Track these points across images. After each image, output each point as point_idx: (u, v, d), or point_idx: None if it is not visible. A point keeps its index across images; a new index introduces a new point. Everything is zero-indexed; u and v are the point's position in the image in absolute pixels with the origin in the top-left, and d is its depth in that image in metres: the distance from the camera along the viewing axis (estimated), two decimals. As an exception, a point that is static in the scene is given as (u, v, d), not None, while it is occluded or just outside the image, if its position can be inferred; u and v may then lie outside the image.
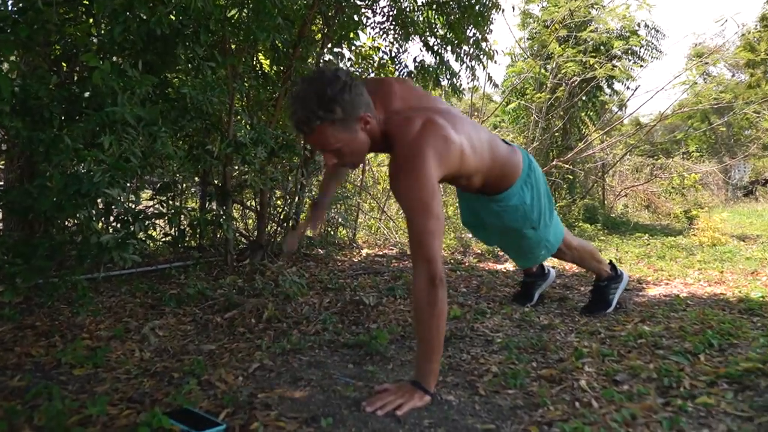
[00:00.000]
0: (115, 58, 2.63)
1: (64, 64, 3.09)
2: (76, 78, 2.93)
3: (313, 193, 4.22)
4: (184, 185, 3.70)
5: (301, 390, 1.54)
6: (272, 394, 1.50)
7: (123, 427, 1.27)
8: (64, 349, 1.88)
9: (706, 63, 6.72)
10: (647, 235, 5.52)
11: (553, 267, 2.90)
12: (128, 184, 2.50)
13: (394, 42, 3.93)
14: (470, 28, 3.74)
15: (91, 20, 2.72)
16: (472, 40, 3.79)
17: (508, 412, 1.41)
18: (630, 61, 6.70)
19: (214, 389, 1.55)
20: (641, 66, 6.70)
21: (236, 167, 3.23)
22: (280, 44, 3.23)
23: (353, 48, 4.02)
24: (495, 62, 4.19)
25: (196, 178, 3.81)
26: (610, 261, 2.59)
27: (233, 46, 3.22)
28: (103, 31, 2.66)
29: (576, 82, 5.95)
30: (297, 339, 2.01)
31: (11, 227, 2.67)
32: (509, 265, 3.81)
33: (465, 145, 1.67)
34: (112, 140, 2.14)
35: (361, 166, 5.45)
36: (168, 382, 1.62)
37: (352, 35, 3.84)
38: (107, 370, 1.72)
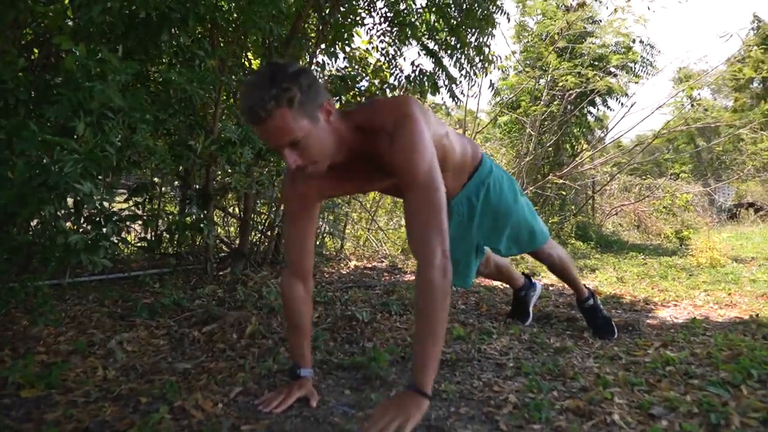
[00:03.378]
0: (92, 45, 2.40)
1: (35, 51, 2.84)
2: (46, 65, 2.69)
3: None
4: (163, 188, 3.44)
5: (292, 421, 1.31)
6: (258, 426, 1.26)
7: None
8: (12, 365, 1.62)
9: (692, 86, 6.67)
10: (642, 254, 5.38)
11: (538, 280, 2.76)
12: (101, 180, 2.27)
13: (392, 44, 3.74)
14: (473, 32, 3.57)
15: (66, 1, 2.49)
16: (474, 44, 3.62)
17: (538, 453, 1.19)
18: (625, 77, 6.62)
19: (188, 418, 1.31)
20: (636, 82, 6.63)
21: (219, 169, 2.99)
22: (271, 39, 3.02)
23: (348, 50, 3.83)
24: (497, 69, 4.05)
25: (176, 182, 3.56)
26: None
27: (221, 40, 3.01)
28: (79, 13, 2.43)
29: (572, 96, 5.84)
30: (284, 359, 1.78)
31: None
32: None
33: (434, 121, 1.55)
34: (87, 126, 1.89)
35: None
36: (134, 409, 1.38)
37: (346, 36, 3.66)
38: (62, 392, 1.47)
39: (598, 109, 7.21)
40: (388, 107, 1.40)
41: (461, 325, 2.30)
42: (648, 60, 6.64)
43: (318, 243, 4.28)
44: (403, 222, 5.03)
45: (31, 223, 2.70)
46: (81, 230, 2.33)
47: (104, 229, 2.34)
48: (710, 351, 1.94)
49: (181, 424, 1.28)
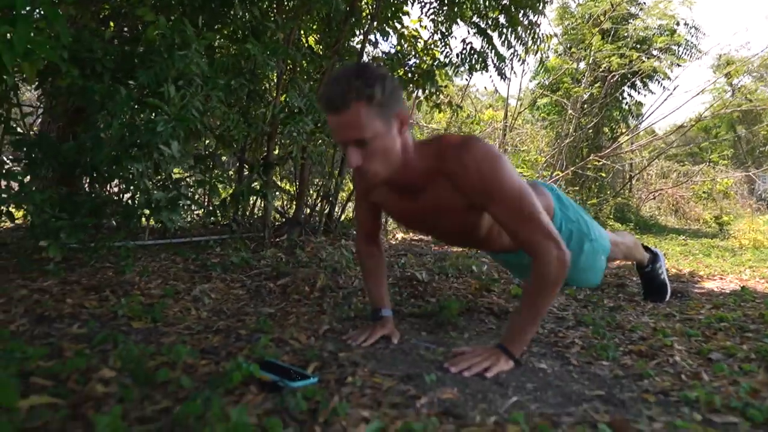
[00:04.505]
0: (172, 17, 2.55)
1: (111, 24, 3.02)
2: (127, 37, 2.86)
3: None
4: (223, 158, 3.61)
5: (382, 352, 1.44)
6: (354, 354, 1.40)
7: (206, 375, 1.18)
8: (117, 303, 1.79)
9: (737, 70, 6.58)
10: (682, 236, 5.40)
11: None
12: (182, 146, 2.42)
13: (443, 22, 3.83)
14: (523, 11, 3.63)
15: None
16: (526, 22, 3.68)
17: (611, 381, 1.31)
18: (668, 60, 6.56)
19: (289, 346, 1.46)
20: (680, 65, 6.57)
21: (285, 138, 3.13)
22: (333, 14, 3.14)
23: (399, 28, 3.92)
24: (539, 51, 4.09)
25: (224, 158, 3.72)
26: (642, 244, 2.49)
27: (284, 15, 3.14)
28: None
29: (614, 78, 5.83)
30: (360, 306, 1.92)
31: (55, 182, 2.58)
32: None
33: None
34: (179, 91, 2.04)
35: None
36: (236, 339, 1.53)
37: (398, 14, 3.76)
38: (167, 325, 1.63)
39: (639, 92, 7.17)
40: (451, 136, 1.46)
41: (518, 286, 2.41)
42: (692, 43, 6.58)
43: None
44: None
45: (111, 184, 2.89)
46: (158, 191, 2.50)
47: (182, 191, 2.50)
48: (762, 312, 2.02)
49: (285, 349, 1.42)
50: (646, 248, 2.42)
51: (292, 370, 1.19)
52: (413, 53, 4.00)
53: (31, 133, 2.31)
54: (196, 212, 3.68)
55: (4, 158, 2.35)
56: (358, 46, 3.60)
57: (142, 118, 2.11)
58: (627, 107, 7.18)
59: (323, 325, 1.66)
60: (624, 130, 6.94)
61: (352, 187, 4.03)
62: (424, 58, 3.90)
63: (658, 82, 6.78)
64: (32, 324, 1.54)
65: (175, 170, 3.24)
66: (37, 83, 2.53)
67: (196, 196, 3.67)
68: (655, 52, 6.40)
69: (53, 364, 1.14)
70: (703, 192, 7.61)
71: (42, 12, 1.87)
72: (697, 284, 2.84)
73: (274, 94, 3.00)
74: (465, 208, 1.48)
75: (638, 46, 6.25)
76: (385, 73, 1.31)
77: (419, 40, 4.01)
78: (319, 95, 1.38)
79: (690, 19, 6.57)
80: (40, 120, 3.17)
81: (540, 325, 1.82)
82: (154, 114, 2.10)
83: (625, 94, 6.91)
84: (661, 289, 2.33)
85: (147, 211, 2.38)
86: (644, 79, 6.72)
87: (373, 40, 3.79)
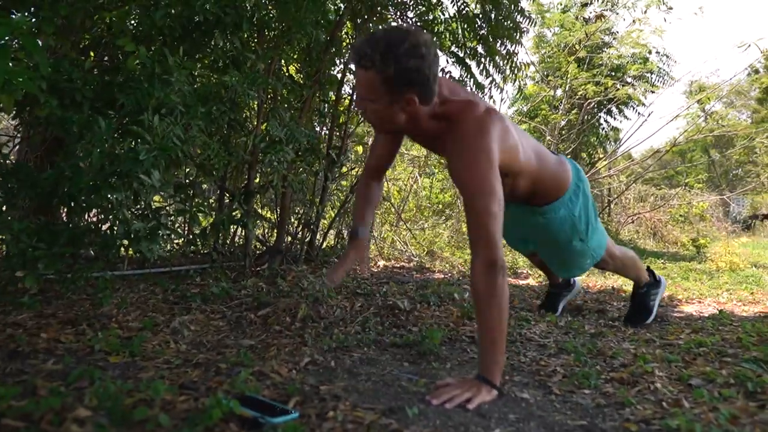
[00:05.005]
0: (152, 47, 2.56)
1: (92, 54, 3.01)
2: (106, 67, 2.85)
3: (334, 199, 4.13)
4: (204, 185, 3.59)
5: (364, 384, 1.43)
6: (335, 387, 1.38)
7: (185, 411, 1.16)
8: (95, 336, 1.76)
9: (708, 96, 6.78)
10: (660, 259, 5.47)
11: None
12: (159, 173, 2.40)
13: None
14: (501, 41, 3.72)
15: (128, 6, 2.66)
16: (504, 51, 3.76)
17: (593, 410, 1.31)
18: (642, 87, 6.74)
19: (270, 380, 1.44)
20: (653, 92, 6.75)
21: (266, 167, 3.13)
22: (313, 45, 3.18)
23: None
24: (517, 79, 4.18)
25: (204, 186, 3.70)
26: (648, 267, 2.52)
27: (266, 45, 3.17)
28: (140, 18, 2.59)
29: (591, 105, 5.97)
30: (342, 337, 1.90)
31: (32, 212, 2.54)
32: (532, 281, 3.73)
33: (517, 140, 1.67)
34: (162, 119, 2.04)
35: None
36: (216, 373, 1.50)
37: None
38: (145, 360, 1.60)
39: (615, 119, 7.35)
40: (478, 114, 1.51)
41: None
42: (664, 70, 6.78)
43: (345, 242, 4.42)
44: (427, 225, 5.16)
45: (89, 214, 2.85)
46: (136, 221, 2.47)
47: (161, 220, 2.48)
48: (740, 336, 2.04)
49: (266, 383, 1.40)
50: (651, 273, 2.47)
51: (273, 406, 1.18)
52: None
53: (8, 162, 2.28)
54: (176, 241, 3.64)
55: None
56: (339, 75, 3.64)
57: (122, 146, 2.10)
58: (604, 133, 7.34)
59: (304, 358, 1.65)
60: (601, 156, 7.08)
61: (333, 215, 4.04)
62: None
63: (633, 108, 6.96)
64: (4, 360, 1.50)
65: (156, 198, 3.22)
66: (14, 113, 2.51)
67: (176, 225, 3.64)
68: (629, 80, 6.58)
69: (26, 403, 1.11)
70: (680, 215, 7.77)
71: (20, 43, 1.87)
72: (676, 308, 2.88)
73: (255, 123, 3.01)
74: None
75: (613, 73, 6.42)
76: (422, 52, 1.37)
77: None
78: (353, 44, 1.50)
79: (661, 47, 6.83)
80: (17, 149, 3.13)
81: (512, 350, 1.82)
82: (134, 143, 2.09)
83: (602, 120, 7.06)
84: (645, 314, 2.36)
85: (126, 242, 2.35)
86: (620, 106, 6.89)
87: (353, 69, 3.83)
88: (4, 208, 2.24)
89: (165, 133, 2.08)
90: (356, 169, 4.19)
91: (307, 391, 1.32)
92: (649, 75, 6.73)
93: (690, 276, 4.15)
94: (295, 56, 3.70)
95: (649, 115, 7.21)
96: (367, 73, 1.39)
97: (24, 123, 2.72)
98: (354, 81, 1.61)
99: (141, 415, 1.07)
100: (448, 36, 3.87)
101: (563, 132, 6.42)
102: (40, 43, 2.37)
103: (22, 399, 1.17)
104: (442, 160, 5.41)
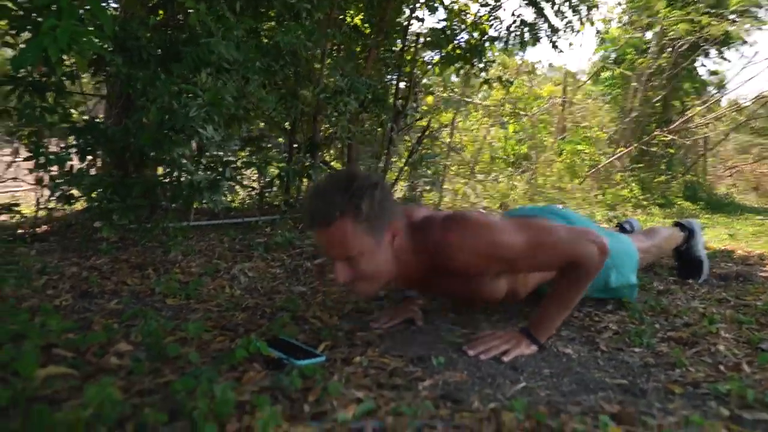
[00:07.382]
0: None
1: (161, 12, 3.10)
2: (173, 24, 2.93)
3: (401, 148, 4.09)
4: (279, 139, 3.67)
5: (402, 333, 1.43)
6: (370, 334, 1.39)
7: (217, 351, 1.21)
8: (157, 280, 1.87)
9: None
10: (759, 216, 5.02)
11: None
12: (220, 128, 2.46)
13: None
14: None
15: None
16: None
17: (639, 369, 1.23)
18: (746, 23, 6.03)
19: (309, 324, 1.47)
20: (760, 28, 6.03)
21: (327, 119, 3.14)
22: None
23: (447, 2, 3.82)
24: (599, 21, 3.88)
25: (279, 138, 3.77)
26: (675, 222, 2.33)
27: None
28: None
29: (683, 47, 5.44)
30: (392, 286, 1.90)
31: (109, 167, 2.71)
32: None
33: None
34: (209, 76, 2.08)
35: (449, 127, 5.18)
36: (260, 316, 1.56)
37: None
38: (199, 302, 1.68)
39: (713, 62, 6.66)
40: (435, 226, 1.31)
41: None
42: (776, 4, 6.01)
43: (417, 196, 4.40)
44: (502, 177, 5.02)
45: (160, 167, 2.99)
46: (203, 172, 2.57)
47: (225, 173, 2.56)
48: (832, 299, 1.84)
49: (303, 328, 1.43)
50: (680, 225, 2.28)
51: (301, 348, 1.20)
52: (462, 28, 3.89)
53: (83, 119, 2.42)
54: (249, 193, 3.76)
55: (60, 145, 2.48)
56: (405, 22, 3.53)
57: (180, 102, 2.16)
58: (699, 78, 6.68)
59: (348, 305, 1.66)
60: (696, 102, 6.48)
61: (401, 165, 4.01)
62: (473, 33, 3.78)
63: (736, 49, 6.27)
64: (75, 299, 1.63)
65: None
66: (93, 72, 2.66)
67: (249, 178, 3.75)
68: (730, 17, 5.90)
69: (77, 337, 1.20)
70: (787, 168, 7.03)
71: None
72: (765, 268, 2.63)
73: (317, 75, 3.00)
74: (475, 278, 1.40)
75: (711, 10, 5.78)
76: (375, 180, 1.21)
77: (468, 14, 3.89)
78: (303, 211, 1.31)
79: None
80: (102, 107, 3.33)
81: (575, 309, 1.74)
82: (187, 99, 2.15)
83: (697, 64, 6.44)
84: (698, 264, 2.20)
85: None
86: (719, 47, 6.22)
87: (420, 16, 3.71)
88: (86, 163, 2.40)
89: (217, 89, 2.12)
90: (423, 120, 4.10)
91: (340, 336, 1.33)
92: (756, 9, 6.01)
93: (790, 233, 3.78)
94: (361, 5, 3.63)
95: (755, 54, 6.46)
96: (340, 225, 1.14)
97: (103, 81, 2.87)
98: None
99: (173, 351, 1.12)
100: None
101: (652, 78, 5.92)
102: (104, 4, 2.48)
103: (78, 333, 1.26)
104: (517, 110, 5.19)
